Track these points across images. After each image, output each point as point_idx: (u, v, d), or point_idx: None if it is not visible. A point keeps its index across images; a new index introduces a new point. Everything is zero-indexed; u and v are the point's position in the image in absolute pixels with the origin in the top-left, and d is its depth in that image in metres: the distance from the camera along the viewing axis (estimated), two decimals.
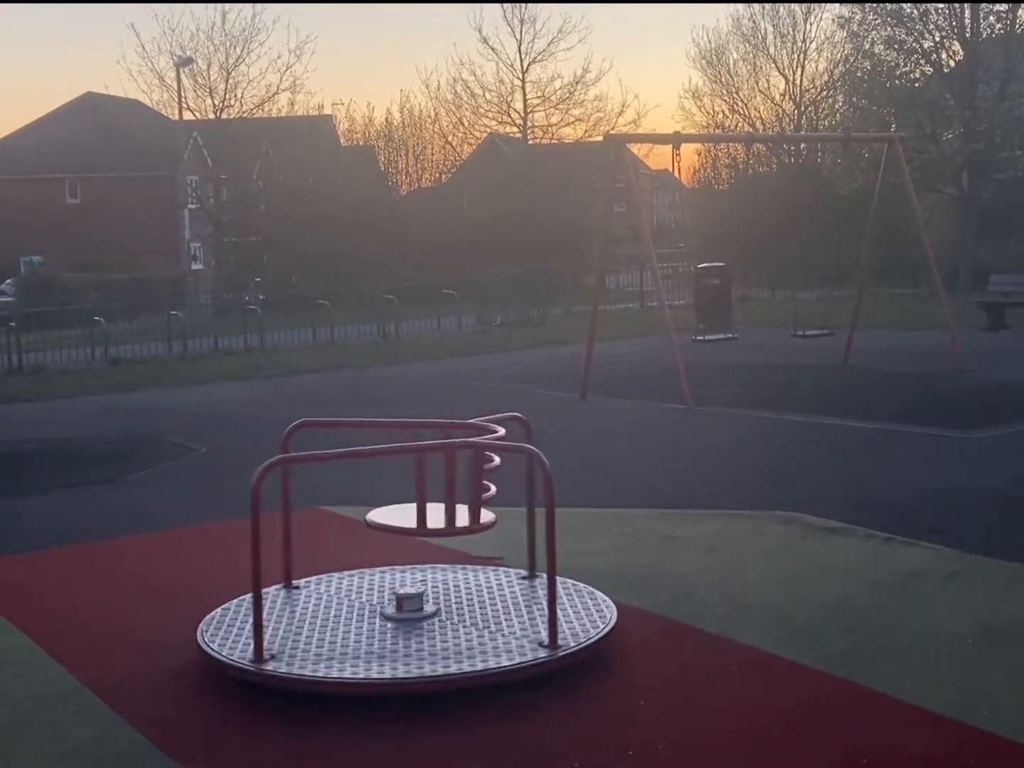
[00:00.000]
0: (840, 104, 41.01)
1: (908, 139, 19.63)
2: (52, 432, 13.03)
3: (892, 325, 20.89)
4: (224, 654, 4.63)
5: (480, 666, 4.42)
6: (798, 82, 45.66)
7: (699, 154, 51.27)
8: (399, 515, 5.01)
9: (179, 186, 44.44)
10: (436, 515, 4.84)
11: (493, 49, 58.99)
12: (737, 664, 4.66)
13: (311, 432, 5.73)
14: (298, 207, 39.59)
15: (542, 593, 5.28)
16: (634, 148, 44.11)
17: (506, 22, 51.46)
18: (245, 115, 42.01)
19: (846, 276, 19.54)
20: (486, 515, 4.90)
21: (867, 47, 33.26)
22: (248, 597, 5.34)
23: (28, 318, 24.35)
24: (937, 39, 31.95)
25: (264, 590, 5.44)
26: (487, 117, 48.52)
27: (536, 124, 47.99)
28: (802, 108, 45.74)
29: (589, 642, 4.66)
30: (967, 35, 31.24)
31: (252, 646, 4.63)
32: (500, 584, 5.47)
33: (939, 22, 31.57)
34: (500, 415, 5.41)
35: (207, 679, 4.65)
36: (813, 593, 5.54)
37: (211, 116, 42.18)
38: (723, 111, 47.63)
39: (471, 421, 5.30)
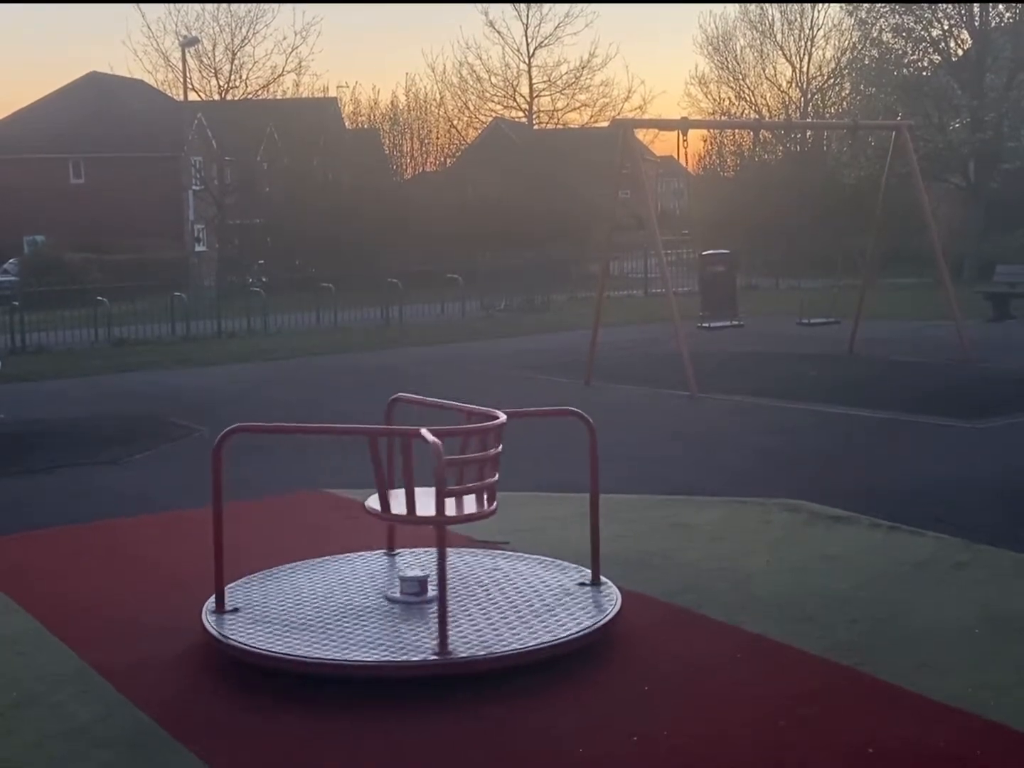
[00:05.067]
0: (847, 92, 40.87)
1: (915, 128, 19.53)
2: (54, 412, 13.02)
3: (897, 315, 20.85)
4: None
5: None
6: (805, 69, 45.54)
7: (705, 141, 51.19)
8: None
9: (183, 167, 44.34)
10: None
11: (499, 33, 58.91)
12: (743, 652, 4.64)
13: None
14: (302, 189, 39.52)
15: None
16: (639, 134, 43.92)
17: (512, 6, 51.31)
18: (250, 96, 41.93)
19: (851, 265, 19.49)
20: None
21: (875, 35, 33.13)
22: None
23: (31, 298, 24.31)
24: (945, 28, 31.82)
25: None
26: (493, 101, 48.47)
27: (542, 109, 47.94)
28: (809, 96, 45.59)
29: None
30: (976, 24, 31.10)
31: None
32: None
33: (948, 10, 31.42)
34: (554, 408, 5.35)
35: (211, 660, 4.64)
36: (819, 582, 5.52)
37: (216, 97, 42.12)
38: (729, 98, 47.55)
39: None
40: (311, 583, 5.31)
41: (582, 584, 5.14)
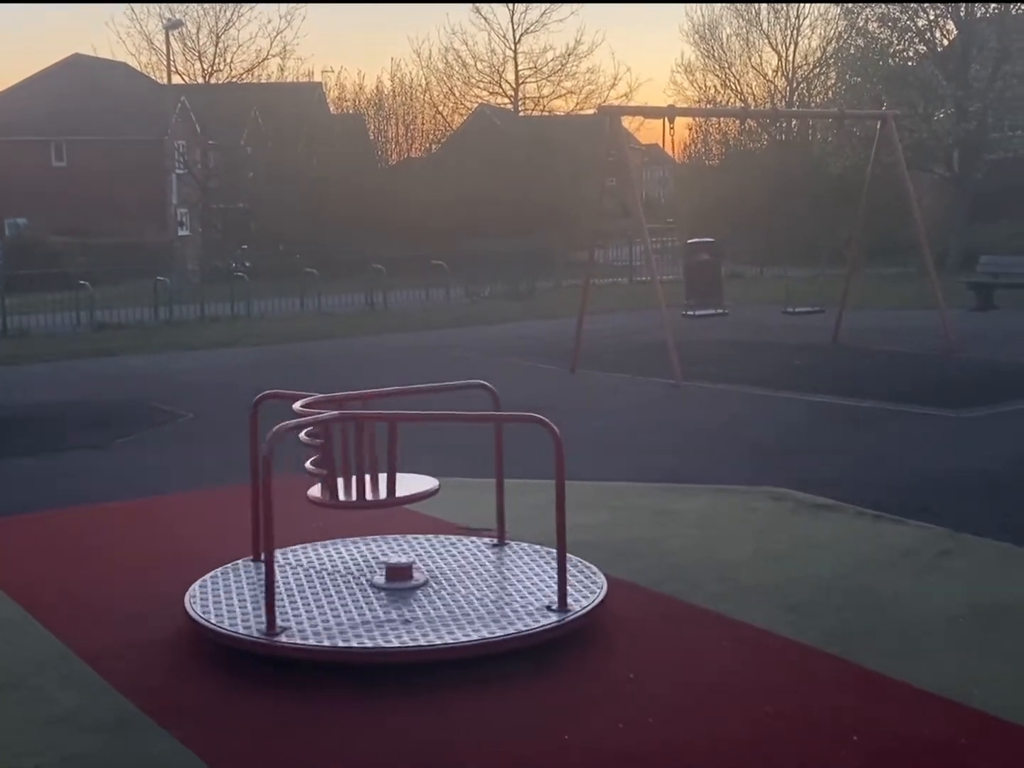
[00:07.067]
0: (833, 81, 40.84)
1: (900, 118, 19.55)
2: (37, 397, 12.96)
3: (882, 304, 20.90)
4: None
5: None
6: (791, 58, 45.50)
7: (690, 129, 51.11)
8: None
9: (166, 151, 44.08)
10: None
11: (485, 19, 59.05)
12: (728, 640, 4.65)
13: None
14: (286, 174, 39.37)
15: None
16: (625, 122, 43.88)
17: None
18: (234, 80, 41.73)
19: (837, 253, 19.52)
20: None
21: (861, 24, 33.12)
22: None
23: (13, 281, 24.16)
24: (931, 18, 31.83)
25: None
26: (478, 87, 48.32)
27: (527, 96, 47.83)
28: (794, 85, 45.57)
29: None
30: (961, 14, 31.11)
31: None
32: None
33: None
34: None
35: (194, 646, 4.62)
36: (804, 570, 5.53)
37: (200, 80, 41.91)
38: (715, 86, 47.44)
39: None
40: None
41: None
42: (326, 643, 4.37)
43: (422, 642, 4.35)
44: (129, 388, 13.47)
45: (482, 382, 5.57)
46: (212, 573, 5.19)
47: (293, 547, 5.62)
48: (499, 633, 4.44)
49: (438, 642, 4.35)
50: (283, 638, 4.44)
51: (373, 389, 5.51)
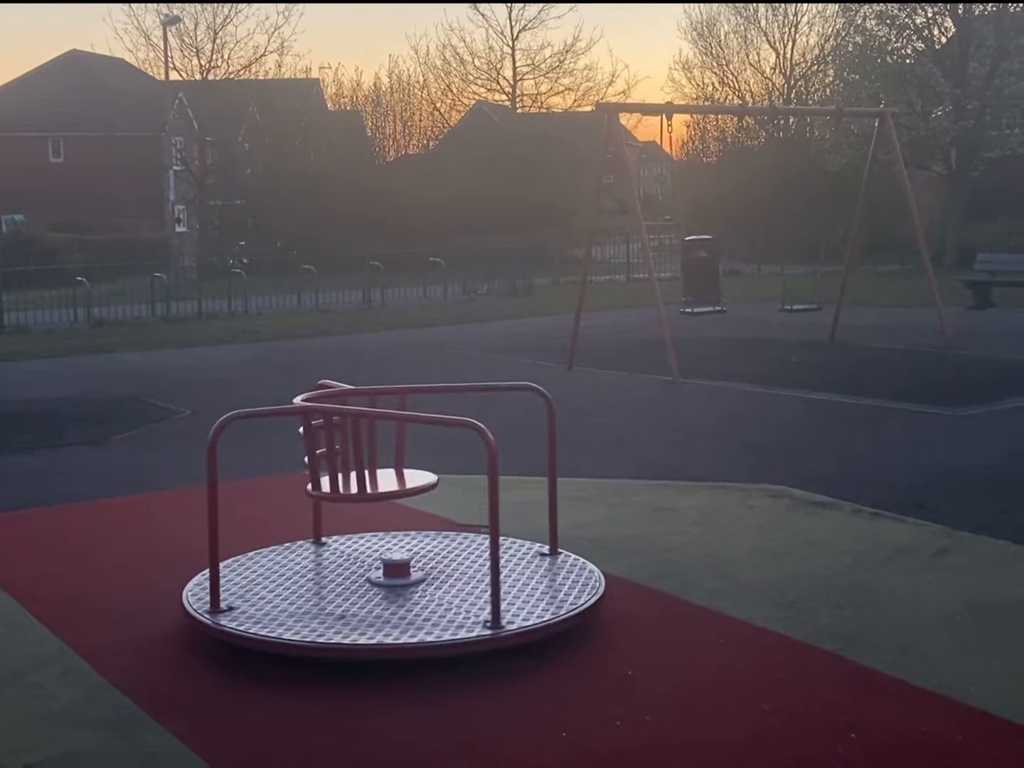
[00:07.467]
0: (830, 79, 40.87)
1: (898, 115, 19.57)
2: (34, 393, 12.95)
3: (879, 301, 20.91)
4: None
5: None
6: (789, 56, 45.57)
7: (688, 126, 51.16)
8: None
9: (164, 147, 44.00)
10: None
11: (483, 15, 58.99)
12: (725, 637, 4.65)
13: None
14: (283, 171, 39.33)
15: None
16: (622, 119, 43.84)
17: None
18: (232, 76, 41.69)
19: (834, 251, 19.53)
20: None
21: (859, 22, 33.15)
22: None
23: (9, 277, 24.11)
24: (929, 15, 31.84)
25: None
26: (476, 84, 48.39)
27: (525, 92, 47.90)
28: (792, 82, 45.61)
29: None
30: (959, 12, 31.12)
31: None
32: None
33: None
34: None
35: (193, 642, 4.62)
36: (801, 567, 5.54)
37: (197, 77, 41.87)
38: (713, 83, 47.53)
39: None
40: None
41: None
42: (247, 630, 4.44)
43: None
44: (126, 384, 13.45)
45: (533, 384, 5.52)
46: (266, 548, 5.24)
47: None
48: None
49: (343, 641, 4.33)
50: (221, 620, 4.52)
51: (415, 385, 5.50)
